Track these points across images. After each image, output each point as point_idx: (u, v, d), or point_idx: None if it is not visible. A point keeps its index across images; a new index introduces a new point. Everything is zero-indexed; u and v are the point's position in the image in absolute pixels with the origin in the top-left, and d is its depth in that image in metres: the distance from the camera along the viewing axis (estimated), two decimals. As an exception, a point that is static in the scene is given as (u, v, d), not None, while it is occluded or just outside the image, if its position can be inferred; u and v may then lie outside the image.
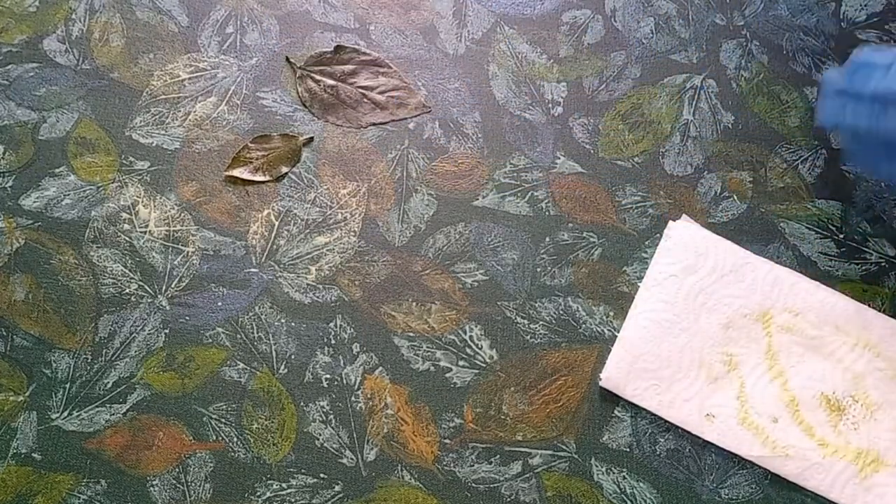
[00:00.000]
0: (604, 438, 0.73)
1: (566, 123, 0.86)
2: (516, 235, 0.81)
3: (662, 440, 0.73)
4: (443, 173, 0.83)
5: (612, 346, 0.76)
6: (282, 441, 0.71)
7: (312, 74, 0.86)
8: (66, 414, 0.70)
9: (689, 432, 0.73)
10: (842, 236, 0.82)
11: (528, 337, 0.76)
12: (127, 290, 0.75)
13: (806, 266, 0.81)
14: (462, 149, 0.84)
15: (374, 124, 0.85)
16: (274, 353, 0.74)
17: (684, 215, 0.81)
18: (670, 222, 0.81)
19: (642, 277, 0.79)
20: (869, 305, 0.79)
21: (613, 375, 0.75)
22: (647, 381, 0.74)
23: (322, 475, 0.70)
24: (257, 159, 0.82)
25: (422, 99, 0.86)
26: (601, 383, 0.74)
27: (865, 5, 0.94)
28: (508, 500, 0.71)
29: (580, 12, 0.92)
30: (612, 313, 0.78)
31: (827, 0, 0.94)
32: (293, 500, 0.69)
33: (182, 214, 0.78)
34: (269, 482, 0.69)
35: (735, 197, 0.84)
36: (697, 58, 0.90)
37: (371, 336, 0.75)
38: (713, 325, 0.77)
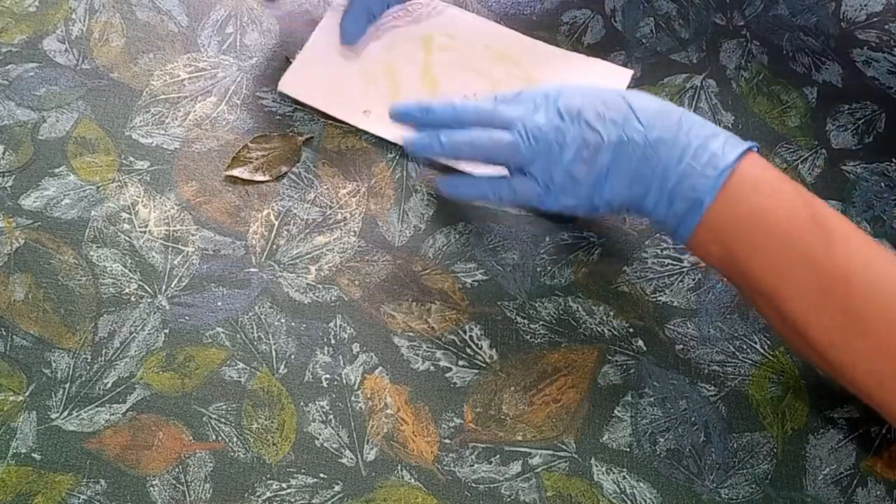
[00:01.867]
0: (604, 438, 0.73)
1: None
2: (516, 235, 0.81)
3: (662, 440, 0.73)
4: (443, 173, 0.83)
5: (608, 344, 0.76)
6: (282, 441, 0.71)
7: (312, 74, 0.86)
8: (65, 414, 0.70)
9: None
10: (842, 236, 0.82)
11: (528, 337, 0.76)
12: (127, 290, 0.75)
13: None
14: (462, 149, 0.84)
15: (373, 124, 0.85)
16: (274, 353, 0.74)
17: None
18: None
19: (642, 277, 0.79)
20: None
21: (291, 81, 0.85)
22: (319, 87, 0.86)
23: (322, 475, 0.70)
24: (257, 159, 0.82)
25: (422, 99, 0.86)
26: (279, 88, 0.85)
27: (865, 5, 0.94)
28: (508, 499, 0.70)
29: (580, 12, 0.92)
30: (612, 313, 0.78)
31: (827, 0, 0.95)
32: (293, 499, 0.69)
33: (182, 214, 0.78)
34: (268, 482, 0.69)
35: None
36: (697, 58, 0.91)
37: (371, 336, 0.75)
38: (378, 48, 0.89)
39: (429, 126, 0.75)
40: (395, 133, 0.83)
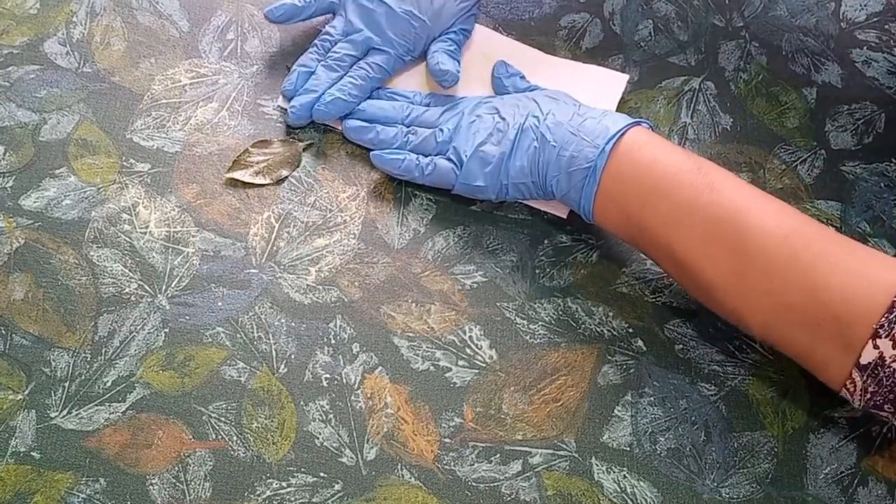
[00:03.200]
0: (604, 437, 0.73)
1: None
2: (515, 238, 0.81)
3: (663, 439, 0.73)
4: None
5: (607, 344, 0.76)
6: (281, 440, 0.71)
7: (312, 78, 0.86)
8: (65, 412, 0.70)
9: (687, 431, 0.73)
10: (841, 236, 0.82)
11: (528, 337, 0.76)
12: (127, 290, 0.75)
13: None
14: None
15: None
16: (274, 353, 0.74)
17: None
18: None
19: (641, 278, 0.79)
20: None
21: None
22: None
23: (322, 474, 0.70)
24: (258, 163, 0.82)
25: (421, 101, 0.87)
26: (279, 103, 0.84)
27: (865, 5, 0.95)
28: (508, 499, 0.70)
29: (578, 16, 0.93)
30: (611, 314, 0.78)
31: (826, 0, 0.95)
32: (293, 499, 0.69)
33: (182, 216, 0.79)
34: (268, 481, 0.69)
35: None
36: (696, 60, 0.91)
37: (371, 336, 0.75)
38: None
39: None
40: None
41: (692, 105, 0.88)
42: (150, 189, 0.79)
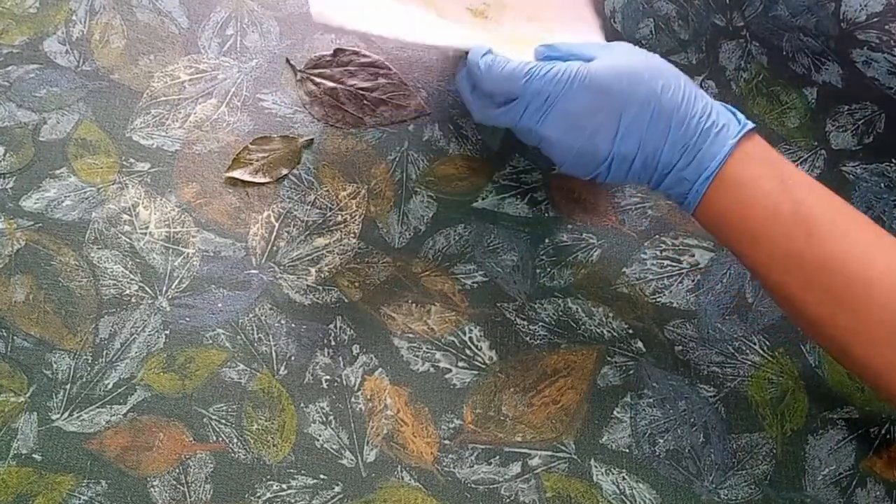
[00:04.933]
0: (603, 439, 0.74)
1: (566, 124, 0.86)
2: (516, 237, 0.81)
3: (662, 441, 0.73)
4: (442, 175, 0.83)
5: (607, 345, 0.77)
6: (282, 442, 0.71)
7: (312, 77, 0.86)
8: (66, 415, 0.71)
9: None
10: (841, 237, 0.82)
11: (528, 338, 0.76)
12: (127, 292, 0.75)
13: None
14: (461, 151, 0.84)
15: (373, 126, 0.85)
16: (274, 355, 0.74)
17: None
18: None
19: (642, 278, 0.80)
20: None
21: (323, 9, 0.75)
22: (356, 6, 0.77)
23: (322, 476, 0.70)
24: (257, 161, 0.82)
25: (421, 101, 0.86)
26: (315, 19, 0.75)
27: (865, 5, 0.94)
28: (508, 500, 0.71)
29: (580, 13, 0.92)
30: (611, 314, 0.78)
31: (827, 0, 0.95)
32: (293, 500, 0.69)
33: (182, 216, 0.78)
34: (269, 483, 0.70)
35: (734, 198, 0.84)
36: (697, 59, 0.91)
37: (371, 337, 0.76)
38: None
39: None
40: (459, 38, 0.77)
41: (692, 103, 0.88)
42: (150, 189, 0.79)
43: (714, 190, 0.67)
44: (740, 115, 0.69)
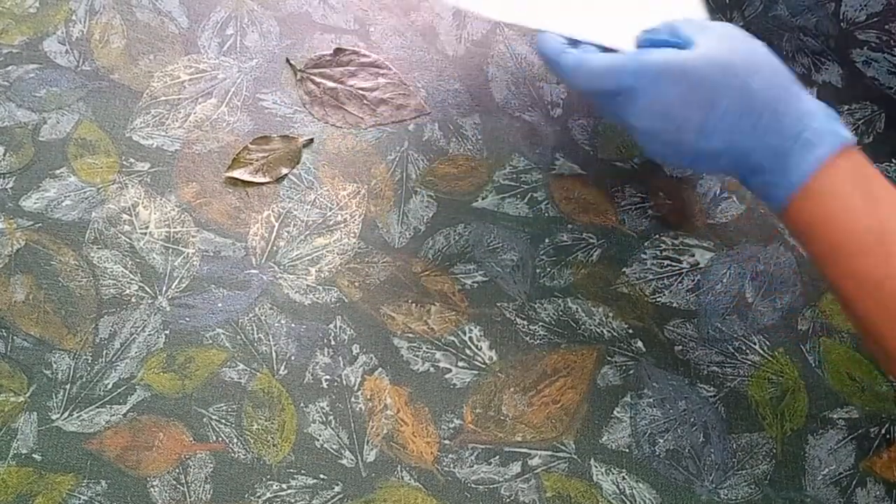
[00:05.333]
0: (603, 439, 0.73)
1: (565, 125, 0.86)
2: (516, 237, 0.81)
3: (662, 441, 0.73)
4: (442, 175, 0.83)
5: (607, 345, 0.77)
6: (282, 442, 0.71)
7: (312, 76, 0.86)
8: (66, 415, 0.71)
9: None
10: (841, 237, 0.82)
11: (528, 338, 0.76)
12: (127, 292, 0.75)
13: (806, 267, 0.81)
14: (461, 150, 0.84)
15: (373, 126, 0.85)
16: (274, 354, 0.74)
17: None
18: None
19: (642, 278, 0.80)
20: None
21: None
22: None
23: (322, 476, 0.70)
24: (257, 160, 0.82)
25: (421, 100, 0.86)
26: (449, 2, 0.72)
27: (865, 5, 0.94)
28: (508, 500, 0.71)
29: (580, 13, 0.92)
30: (611, 314, 0.78)
31: (826, 0, 0.95)
32: (293, 500, 0.69)
33: (182, 216, 0.78)
34: (269, 483, 0.70)
35: (734, 197, 0.84)
36: (697, 59, 0.91)
37: (371, 337, 0.76)
38: None
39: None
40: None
41: (692, 103, 0.88)
42: (150, 189, 0.79)
43: (799, 200, 0.64)
44: (839, 125, 0.66)
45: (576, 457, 0.73)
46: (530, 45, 0.90)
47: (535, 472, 0.72)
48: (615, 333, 0.77)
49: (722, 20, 0.93)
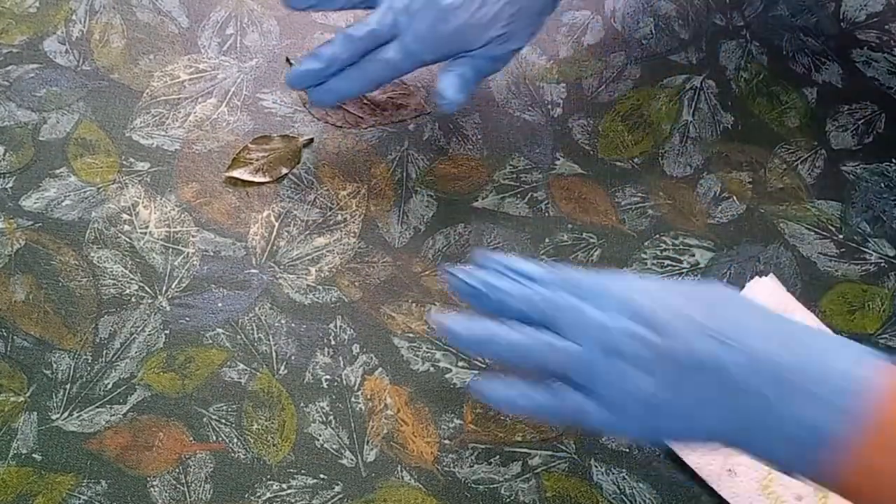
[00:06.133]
0: (603, 439, 0.73)
1: (565, 124, 0.86)
2: (516, 236, 0.81)
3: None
4: (442, 174, 0.83)
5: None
6: (282, 442, 0.71)
7: (312, 75, 0.86)
8: (66, 414, 0.70)
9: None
10: (841, 237, 0.83)
11: (528, 338, 0.76)
12: (127, 291, 0.75)
13: (805, 267, 0.81)
14: (462, 150, 0.84)
15: (373, 126, 0.85)
16: (274, 354, 0.74)
17: (771, 274, 0.80)
18: (756, 279, 0.80)
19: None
20: (868, 306, 0.79)
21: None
22: None
23: (322, 476, 0.70)
24: (257, 160, 0.82)
25: (421, 100, 0.86)
26: None
27: (865, 5, 0.94)
28: (508, 500, 0.71)
29: (580, 13, 0.92)
30: (611, 314, 0.78)
31: (827, 0, 0.95)
32: (293, 500, 0.69)
33: (182, 215, 0.78)
34: (269, 483, 0.70)
35: (734, 198, 0.84)
36: (697, 58, 0.91)
37: (371, 337, 0.76)
38: None
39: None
40: None
41: (693, 103, 0.88)
42: (150, 188, 0.79)
43: (873, 420, 0.49)
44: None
45: (576, 457, 0.73)
46: (529, 44, 0.90)
47: (536, 472, 0.72)
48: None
49: (723, 20, 0.93)
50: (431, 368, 0.75)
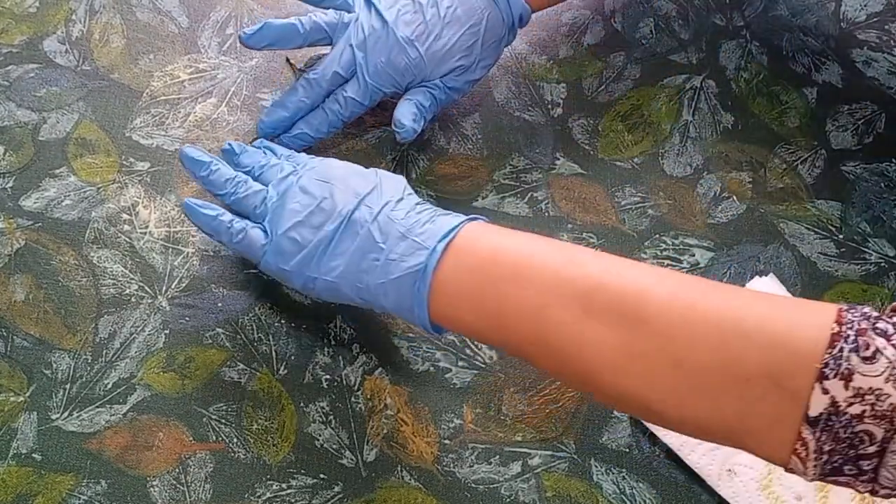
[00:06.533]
0: (603, 439, 0.74)
1: (566, 124, 0.86)
2: (516, 236, 0.81)
3: (662, 440, 0.73)
4: (442, 174, 0.83)
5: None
6: (282, 441, 0.71)
7: (312, 75, 0.86)
8: (66, 414, 0.70)
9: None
10: (841, 237, 0.83)
11: (528, 337, 0.76)
12: (127, 291, 0.75)
13: (805, 267, 0.81)
14: (462, 150, 0.84)
15: (373, 126, 0.85)
16: (274, 354, 0.74)
17: (771, 274, 0.81)
18: (756, 278, 0.80)
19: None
20: (869, 305, 0.79)
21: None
22: None
23: (322, 476, 0.70)
24: (257, 160, 0.82)
25: (421, 100, 0.86)
26: None
27: (865, 5, 0.94)
28: (508, 500, 0.71)
29: (580, 13, 0.92)
30: (611, 314, 0.78)
31: (827, 0, 0.95)
32: (293, 500, 0.69)
33: (182, 215, 0.78)
34: (269, 482, 0.70)
35: (734, 198, 0.84)
36: (697, 58, 0.91)
37: (371, 337, 0.76)
38: None
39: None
40: None
41: (693, 103, 0.88)
42: (150, 188, 0.79)
43: (454, 249, 0.64)
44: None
45: (576, 456, 0.73)
46: (530, 44, 0.90)
47: (536, 471, 0.72)
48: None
49: (723, 20, 0.93)
50: (431, 368, 0.75)
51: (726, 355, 0.53)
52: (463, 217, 0.65)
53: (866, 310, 0.53)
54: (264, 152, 0.78)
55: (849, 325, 0.51)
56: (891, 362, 0.50)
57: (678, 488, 0.72)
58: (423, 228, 0.65)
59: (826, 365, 0.50)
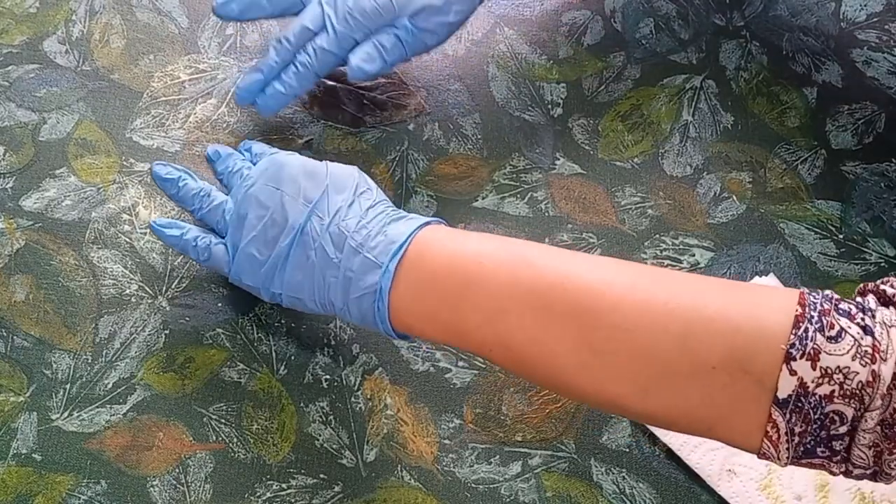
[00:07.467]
0: (603, 439, 0.74)
1: (566, 124, 0.86)
2: (516, 236, 0.81)
3: (662, 440, 0.73)
4: (442, 174, 0.83)
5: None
6: (282, 441, 0.71)
7: (312, 76, 0.86)
8: (66, 414, 0.70)
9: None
10: (841, 237, 0.83)
11: (528, 337, 0.76)
12: (127, 291, 0.75)
13: (805, 267, 0.81)
14: (462, 150, 0.84)
15: (373, 126, 0.85)
16: (274, 354, 0.74)
17: (772, 274, 0.81)
18: (756, 278, 0.80)
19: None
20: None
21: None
22: None
23: (322, 475, 0.70)
24: (257, 160, 0.82)
25: (421, 100, 0.86)
26: None
27: (865, 5, 0.94)
28: (508, 500, 0.71)
29: (580, 13, 0.92)
30: (611, 314, 0.78)
31: (827, 0, 0.95)
32: (293, 500, 0.69)
33: (182, 216, 0.78)
34: (269, 482, 0.70)
35: (734, 198, 0.84)
36: (697, 58, 0.91)
37: (371, 337, 0.76)
38: None
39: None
40: None
41: (693, 103, 0.88)
42: (150, 188, 0.79)
43: (406, 265, 0.63)
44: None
45: (576, 456, 0.73)
46: (530, 44, 0.90)
47: (535, 471, 0.72)
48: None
49: (723, 20, 0.93)
50: (431, 368, 0.75)
51: (689, 343, 0.53)
52: (414, 223, 0.64)
53: (828, 292, 0.54)
54: (242, 154, 0.77)
55: (812, 307, 0.52)
56: (856, 340, 0.50)
57: (678, 488, 0.72)
58: (374, 242, 0.64)
59: (792, 346, 0.51)
